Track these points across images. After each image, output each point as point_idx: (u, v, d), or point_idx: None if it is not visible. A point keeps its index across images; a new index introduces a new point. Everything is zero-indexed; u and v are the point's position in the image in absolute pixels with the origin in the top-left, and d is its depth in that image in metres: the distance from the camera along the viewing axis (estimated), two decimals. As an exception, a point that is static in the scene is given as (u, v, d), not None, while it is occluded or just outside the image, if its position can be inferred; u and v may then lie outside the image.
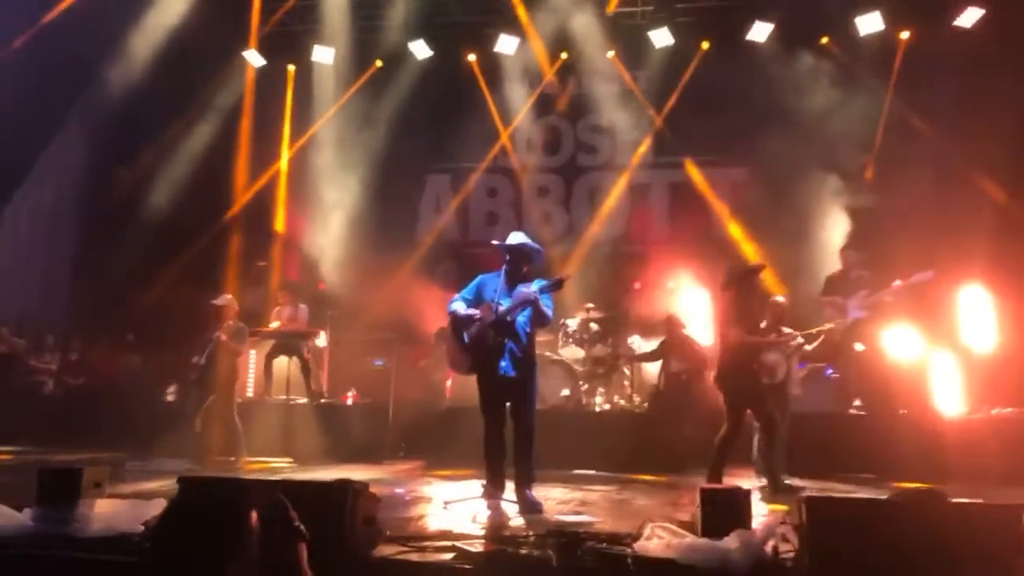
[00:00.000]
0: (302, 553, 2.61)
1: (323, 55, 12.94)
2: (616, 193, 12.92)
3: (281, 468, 8.64)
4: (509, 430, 5.97)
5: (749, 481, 7.08)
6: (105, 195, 12.49)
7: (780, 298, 7.65)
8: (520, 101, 13.13)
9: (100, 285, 12.00)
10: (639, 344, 10.30)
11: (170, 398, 10.46)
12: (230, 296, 8.82)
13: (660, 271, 10.71)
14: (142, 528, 4.09)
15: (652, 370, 9.94)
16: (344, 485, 4.03)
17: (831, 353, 8.79)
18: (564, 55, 12.91)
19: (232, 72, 13.04)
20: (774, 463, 6.54)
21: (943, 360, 9.15)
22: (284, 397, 10.15)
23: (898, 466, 7.43)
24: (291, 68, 13.62)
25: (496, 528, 4.97)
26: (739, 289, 6.58)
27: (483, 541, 4.36)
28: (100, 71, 11.88)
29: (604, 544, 3.99)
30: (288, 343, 10.35)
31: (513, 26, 12.48)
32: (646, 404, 9.75)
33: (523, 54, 12.71)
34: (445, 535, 4.47)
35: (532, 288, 5.85)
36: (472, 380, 6.15)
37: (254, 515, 2.21)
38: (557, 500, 6.22)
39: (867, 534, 3.58)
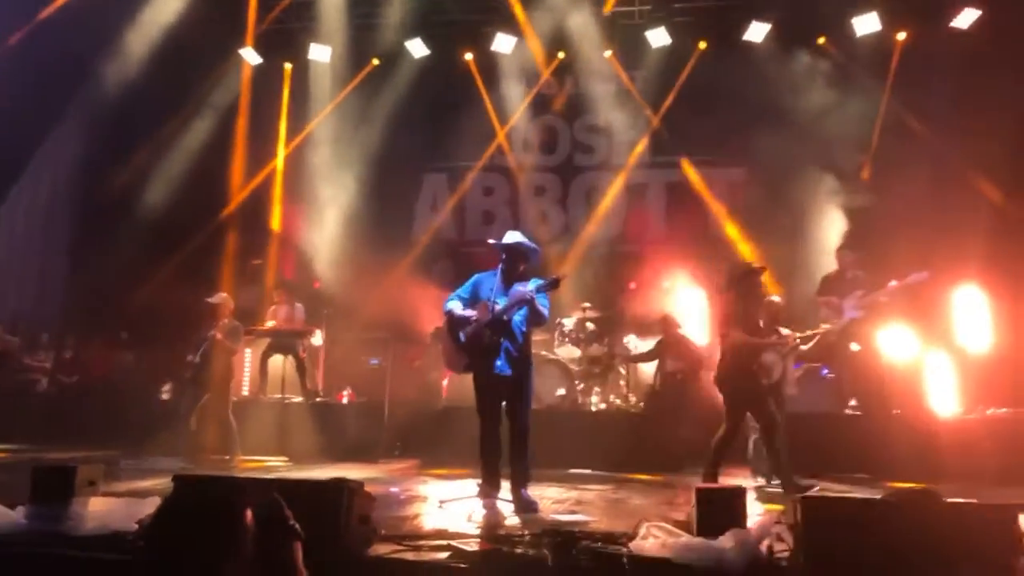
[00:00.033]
0: (297, 552, 2.61)
1: (320, 53, 12.92)
2: (613, 193, 12.92)
3: (276, 467, 8.63)
4: (505, 429, 5.97)
5: (745, 481, 7.10)
6: (100, 192, 12.44)
7: (776, 298, 7.65)
8: (517, 100, 13.11)
9: (95, 283, 11.96)
10: (635, 344, 10.30)
11: (165, 396, 10.45)
12: (225, 294, 8.80)
13: (656, 271, 10.72)
14: (136, 526, 4.07)
15: (648, 370, 9.94)
16: (339, 484, 4.03)
17: (827, 353, 8.80)
18: (561, 54, 12.90)
19: (228, 70, 13.01)
20: (783, 463, 6.47)
21: (938, 360, 9.17)
22: (279, 396, 10.13)
23: (893, 466, 7.43)
24: (288, 66, 13.60)
25: (491, 527, 4.96)
26: (739, 290, 6.58)
27: (478, 540, 4.36)
28: (96, 68, 11.84)
29: (599, 543, 3.99)
30: (283, 342, 10.34)
31: (510, 25, 12.47)
32: (642, 404, 9.76)
33: (520, 53, 12.70)
34: (440, 534, 4.46)
35: (528, 287, 5.85)
36: (468, 380, 6.16)
37: (249, 514, 2.21)
38: (553, 499, 6.21)
39: (862, 534, 3.58)
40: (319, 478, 4.45)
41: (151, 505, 4.20)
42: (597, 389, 10.10)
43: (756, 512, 5.35)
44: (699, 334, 9.94)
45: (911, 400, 8.77)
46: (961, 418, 8.59)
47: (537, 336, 7.67)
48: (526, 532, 4.44)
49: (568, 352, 10.23)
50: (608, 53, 12.68)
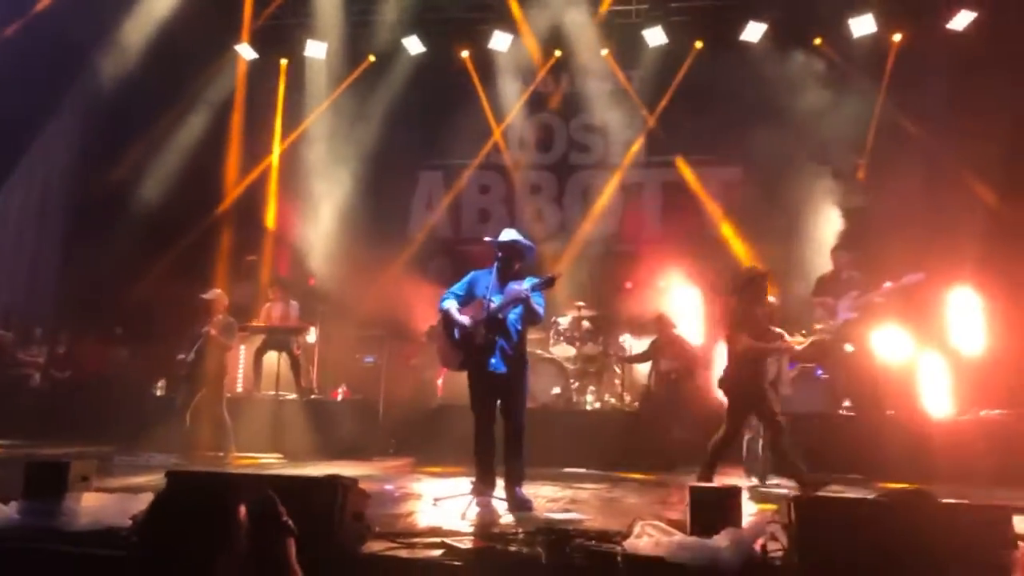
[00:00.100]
0: (291, 548, 2.61)
1: (315, 49, 12.87)
2: (608, 192, 12.91)
3: (270, 464, 8.63)
4: (499, 427, 5.97)
5: (739, 481, 7.11)
6: (95, 186, 12.39)
7: (771, 299, 7.65)
8: (513, 98, 13.08)
9: (89, 277, 11.91)
10: (630, 343, 10.31)
11: (159, 392, 10.43)
12: (219, 291, 8.78)
13: (652, 270, 10.72)
14: (130, 522, 4.06)
15: (643, 369, 9.95)
16: (333, 481, 4.02)
17: (821, 354, 8.80)
18: (558, 53, 12.88)
19: (224, 65, 12.96)
20: (793, 462, 6.45)
21: (932, 362, 9.18)
22: (273, 393, 10.11)
23: (886, 467, 7.43)
24: (283, 62, 13.54)
25: (485, 525, 4.97)
26: (746, 295, 6.59)
27: (472, 538, 4.36)
28: (91, 63, 11.81)
29: (593, 542, 3.98)
30: (278, 339, 10.32)
31: (507, 23, 12.45)
32: (637, 403, 9.76)
33: (516, 51, 12.67)
34: (434, 532, 4.47)
35: (524, 285, 5.84)
36: (463, 378, 6.15)
37: (242, 510, 2.20)
38: (547, 498, 6.21)
39: (856, 534, 3.59)
40: (313, 475, 4.44)
41: (144, 501, 4.17)
42: (592, 388, 10.10)
43: (750, 512, 5.37)
44: (694, 334, 9.94)
45: (905, 401, 8.78)
46: (955, 419, 8.61)
47: (532, 334, 7.66)
48: (520, 530, 4.44)
49: (563, 351, 10.23)
50: (605, 52, 12.67)
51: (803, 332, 8.34)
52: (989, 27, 10.99)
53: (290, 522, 2.62)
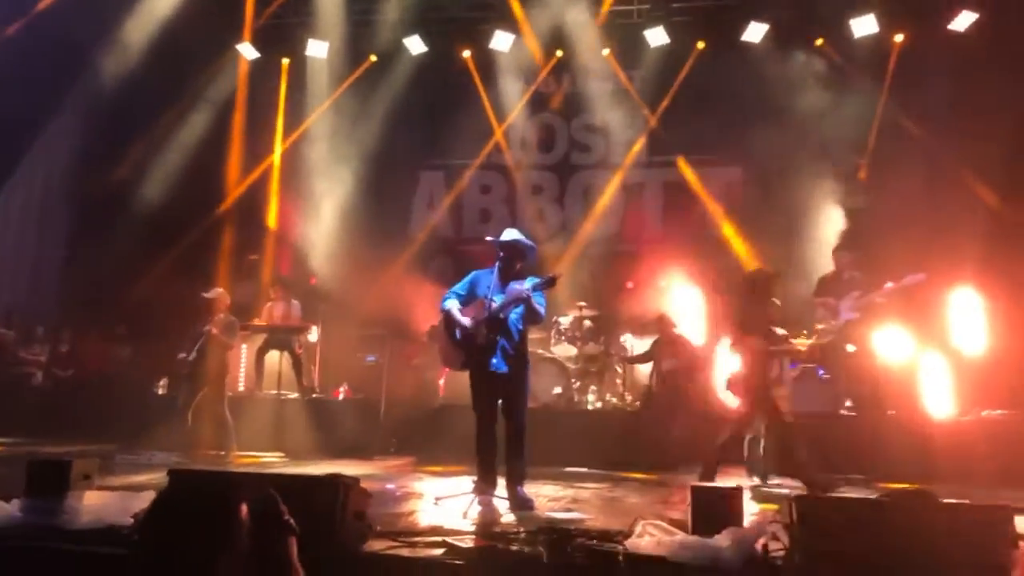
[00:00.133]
0: (292, 547, 2.61)
1: (317, 49, 12.88)
2: (610, 192, 12.91)
3: (272, 463, 8.63)
4: (501, 427, 5.97)
5: (741, 480, 7.11)
6: (97, 185, 12.40)
7: (774, 299, 7.65)
8: (514, 98, 13.08)
9: (91, 276, 11.92)
10: (632, 343, 10.31)
11: (161, 391, 10.44)
12: (221, 290, 8.78)
13: (653, 270, 10.70)
14: (131, 520, 4.07)
15: (644, 369, 9.94)
16: (335, 480, 4.02)
17: (822, 354, 8.81)
18: (559, 53, 12.87)
19: (225, 64, 12.97)
20: (802, 462, 6.43)
21: (934, 362, 9.17)
22: (275, 392, 10.12)
23: (888, 467, 7.44)
24: (285, 61, 13.55)
25: (487, 524, 4.97)
26: (753, 295, 6.59)
27: (474, 537, 4.36)
28: (93, 62, 11.81)
29: (595, 541, 3.99)
30: (279, 338, 10.32)
31: (508, 23, 12.45)
32: (638, 402, 9.76)
33: (518, 51, 12.67)
34: (436, 531, 4.47)
35: (525, 285, 5.84)
36: (465, 377, 6.15)
37: (244, 508, 2.20)
38: (548, 497, 6.21)
39: (857, 534, 3.59)
40: (314, 474, 4.44)
41: (146, 499, 4.18)
42: (593, 387, 10.11)
43: (752, 511, 5.37)
44: (695, 334, 9.94)
45: (906, 401, 8.78)
46: (956, 420, 8.60)
47: (534, 334, 7.68)
48: (522, 529, 4.44)
49: (565, 350, 10.23)
50: (606, 52, 12.67)
51: (805, 332, 8.35)
52: (990, 28, 10.99)
53: (291, 521, 2.62)
